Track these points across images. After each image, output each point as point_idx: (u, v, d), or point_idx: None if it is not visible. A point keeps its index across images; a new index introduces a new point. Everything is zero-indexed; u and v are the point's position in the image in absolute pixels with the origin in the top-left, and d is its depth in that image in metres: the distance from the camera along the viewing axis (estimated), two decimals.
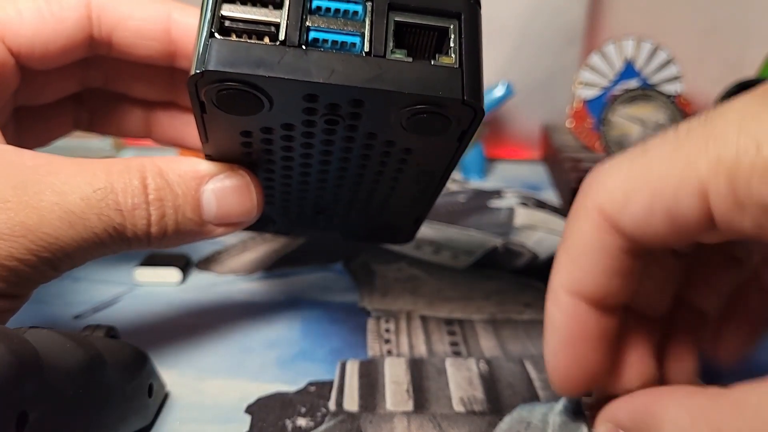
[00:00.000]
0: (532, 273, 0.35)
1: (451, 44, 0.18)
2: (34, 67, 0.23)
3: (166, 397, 0.23)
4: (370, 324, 0.28)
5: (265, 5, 0.17)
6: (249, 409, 0.22)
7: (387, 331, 0.28)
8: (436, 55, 0.18)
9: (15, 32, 0.22)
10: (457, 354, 0.26)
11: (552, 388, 0.20)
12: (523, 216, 0.43)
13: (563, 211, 0.43)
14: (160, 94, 0.27)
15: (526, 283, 0.33)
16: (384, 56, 0.17)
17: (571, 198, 0.43)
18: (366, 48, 0.17)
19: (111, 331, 0.21)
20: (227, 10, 0.17)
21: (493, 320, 0.29)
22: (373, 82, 0.17)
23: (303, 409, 0.22)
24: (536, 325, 0.29)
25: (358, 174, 0.23)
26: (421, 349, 0.26)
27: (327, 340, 0.27)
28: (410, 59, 0.17)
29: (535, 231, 0.41)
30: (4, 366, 0.13)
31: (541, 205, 0.45)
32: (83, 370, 0.16)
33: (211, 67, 0.17)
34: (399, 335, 0.28)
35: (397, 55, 0.17)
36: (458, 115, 0.18)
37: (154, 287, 0.31)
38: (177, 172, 0.21)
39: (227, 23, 0.17)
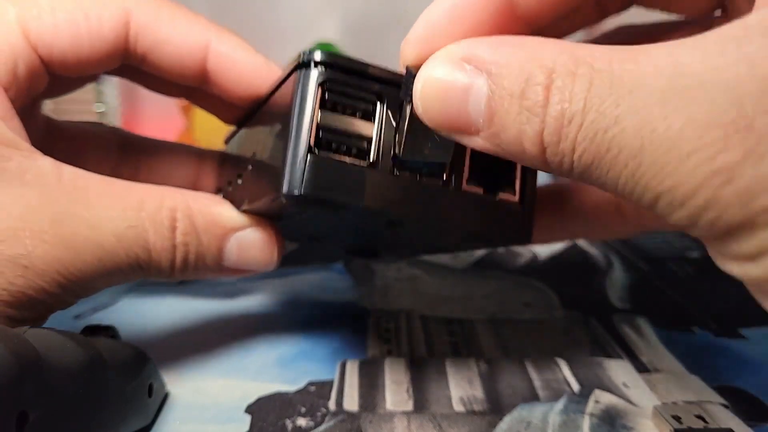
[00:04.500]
0: (532, 273, 0.35)
1: (517, 177, 0.19)
2: (63, 75, 0.23)
3: (166, 397, 0.23)
4: (370, 324, 0.28)
5: (355, 113, 0.17)
6: (249, 409, 0.22)
7: (387, 331, 0.28)
8: (503, 186, 0.19)
9: (48, 43, 0.22)
10: (457, 354, 0.26)
11: (408, 45, 0.17)
12: None
13: None
14: (175, 94, 0.27)
15: (526, 283, 0.33)
16: (461, 187, 0.18)
17: None
18: (445, 176, 0.18)
19: (111, 331, 0.21)
20: (324, 119, 0.17)
21: (493, 320, 0.29)
22: (451, 216, 0.18)
23: (303, 409, 0.22)
24: (536, 325, 0.29)
25: (379, 238, 0.24)
26: (421, 349, 0.26)
27: (327, 340, 0.27)
28: (481, 191, 0.18)
29: None
30: (4, 366, 0.13)
31: None
32: (83, 370, 0.16)
33: (307, 192, 0.16)
34: (399, 335, 0.28)
35: (472, 187, 0.18)
36: (509, 241, 0.20)
37: (154, 287, 0.31)
38: (206, 218, 0.21)
39: (323, 134, 0.17)
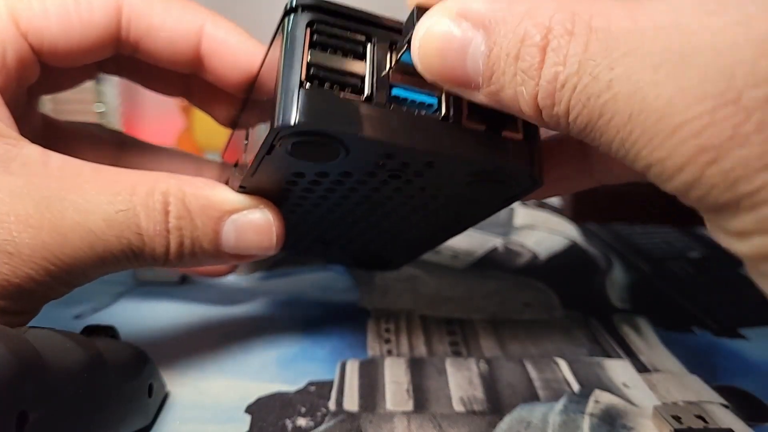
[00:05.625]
0: (532, 273, 0.35)
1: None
2: (55, 65, 0.23)
3: (166, 397, 0.23)
4: (370, 324, 0.28)
5: (345, 54, 0.17)
6: (249, 409, 0.22)
7: (387, 331, 0.28)
8: (505, 126, 0.18)
9: (38, 30, 0.21)
10: (457, 354, 0.26)
11: None
12: (523, 216, 0.43)
13: (563, 211, 0.43)
14: (172, 92, 0.27)
15: (526, 283, 0.33)
16: (461, 122, 0.18)
17: (572, 198, 0.42)
18: (443, 111, 0.17)
19: (111, 331, 0.21)
20: (314, 57, 0.17)
21: (493, 320, 0.29)
22: (454, 149, 0.17)
23: (303, 409, 0.22)
24: (536, 325, 0.29)
25: (384, 216, 0.23)
26: (421, 349, 0.26)
27: (327, 340, 0.27)
28: (483, 127, 0.18)
29: (535, 231, 0.41)
30: (4, 366, 0.13)
31: (541, 205, 0.45)
32: (83, 370, 0.16)
33: (302, 120, 0.16)
34: (399, 335, 0.28)
35: (472, 123, 0.18)
36: (520, 184, 0.19)
37: (154, 287, 0.31)
38: (201, 202, 0.21)
39: (314, 70, 0.17)
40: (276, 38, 0.19)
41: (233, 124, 0.26)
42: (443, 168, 0.18)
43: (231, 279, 0.32)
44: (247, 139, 0.21)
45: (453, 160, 0.18)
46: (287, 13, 0.17)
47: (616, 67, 0.13)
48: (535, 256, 0.37)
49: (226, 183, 0.23)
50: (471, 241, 0.38)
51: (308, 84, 0.16)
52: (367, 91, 0.17)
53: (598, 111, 0.13)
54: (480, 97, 0.16)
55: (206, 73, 0.24)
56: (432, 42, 0.15)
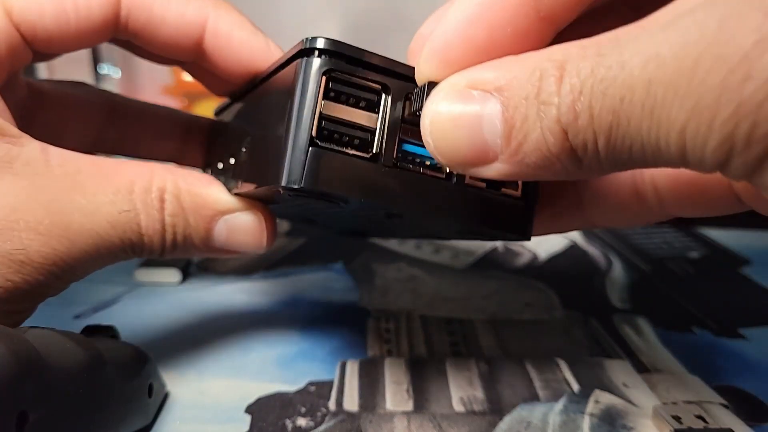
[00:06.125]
0: (532, 273, 0.35)
1: None
2: (47, 52, 0.22)
3: (166, 397, 0.23)
4: (370, 324, 0.28)
5: (358, 104, 0.17)
6: (249, 409, 0.22)
7: (387, 331, 0.28)
8: (505, 183, 0.18)
9: (31, 23, 0.21)
10: (457, 354, 0.26)
11: (425, 61, 0.16)
12: None
13: None
14: (167, 63, 0.26)
15: (526, 283, 0.33)
16: (463, 179, 0.18)
17: None
18: (447, 170, 0.18)
19: (111, 331, 0.21)
20: (327, 108, 0.16)
21: (493, 320, 0.29)
22: (451, 213, 0.18)
23: (303, 409, 0.22)
24: (536, 325, 0.29)
25: (372, 222, 0.23)
26: (421, 349, 0.26)
27: (327, 340, 0.27)
28: (484, 185, 0.18)
29: None
30: (4, 366, 0.13)
31: None
32: (83, 370, 0.16)
33: (306, 185, 0.16)
34: (399, 335, 0.28)
35: (474, 181, 0.18)
36: (507, 238, 0.20)
37: (154, 287, 0.31)
38: (195, 199, 0.21)
39: (325, 124, 0.16)
40: (289, 66, 0.18)
41: (229, 95, 0.26)
42: (438, 222, 0.19)
43: (231, 278, 0.32)
44: (244, 147, 0.21)
45: (449, 221, 0.18)
46: (303, 53, 0.17)
47: (626, 50, 0.13)
48: (535, 257, 0.37)
49: (218, 161, 0.23)
50: (471, 241, 0.38)
51: (318, 141, 0.16)
52: (375, 148, 0.17)
53: (619, 95, 0.13)
54: (499, 167, 0.15)
55: (207, 64, 0.24)
56: (443, 121, 0.15)
